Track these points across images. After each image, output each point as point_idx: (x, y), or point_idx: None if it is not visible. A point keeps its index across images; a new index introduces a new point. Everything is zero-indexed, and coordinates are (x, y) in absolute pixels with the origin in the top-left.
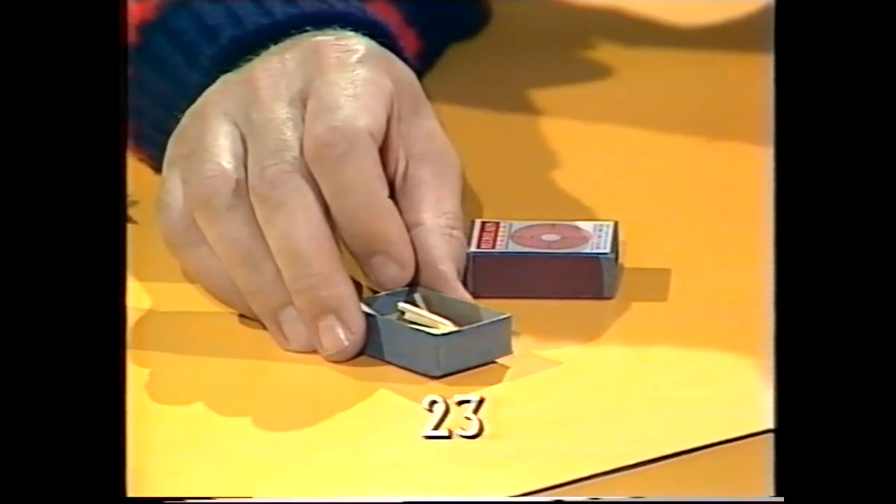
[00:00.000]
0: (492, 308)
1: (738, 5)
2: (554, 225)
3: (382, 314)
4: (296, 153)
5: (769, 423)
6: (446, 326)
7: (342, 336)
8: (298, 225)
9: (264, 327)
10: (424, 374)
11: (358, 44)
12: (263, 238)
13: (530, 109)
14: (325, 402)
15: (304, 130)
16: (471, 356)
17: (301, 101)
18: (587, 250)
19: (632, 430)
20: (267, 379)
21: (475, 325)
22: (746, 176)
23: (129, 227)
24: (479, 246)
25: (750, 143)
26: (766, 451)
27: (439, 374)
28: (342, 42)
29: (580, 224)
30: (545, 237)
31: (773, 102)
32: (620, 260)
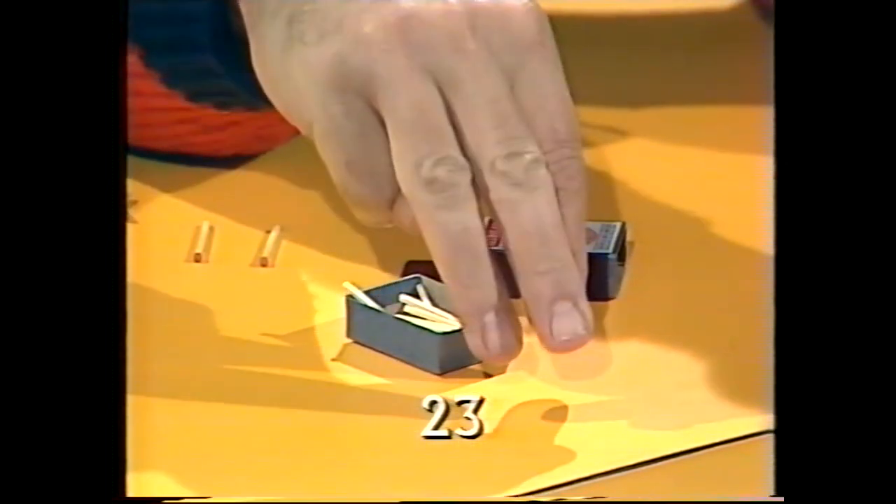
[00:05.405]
0: None
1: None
2: None
3: (384, 305)
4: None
5: (769, 423)
6: (446, 320)
7: (580, 322)
8: (548, 210)
9: (264, 327)
10: (425, 370)
11: None
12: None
13: None
14: (324, 403)
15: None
16: (472, 354)
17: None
18: (590, 250)
19: (632, 430)
20: (267, 379)
21: None
22: (747, 178)
23: (129, 227)
24: None
25: (751, 147)
26: (766, 451)
27: (440, 371)
28: None
29: (588, 224)
30: None
31: (773, 105)
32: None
